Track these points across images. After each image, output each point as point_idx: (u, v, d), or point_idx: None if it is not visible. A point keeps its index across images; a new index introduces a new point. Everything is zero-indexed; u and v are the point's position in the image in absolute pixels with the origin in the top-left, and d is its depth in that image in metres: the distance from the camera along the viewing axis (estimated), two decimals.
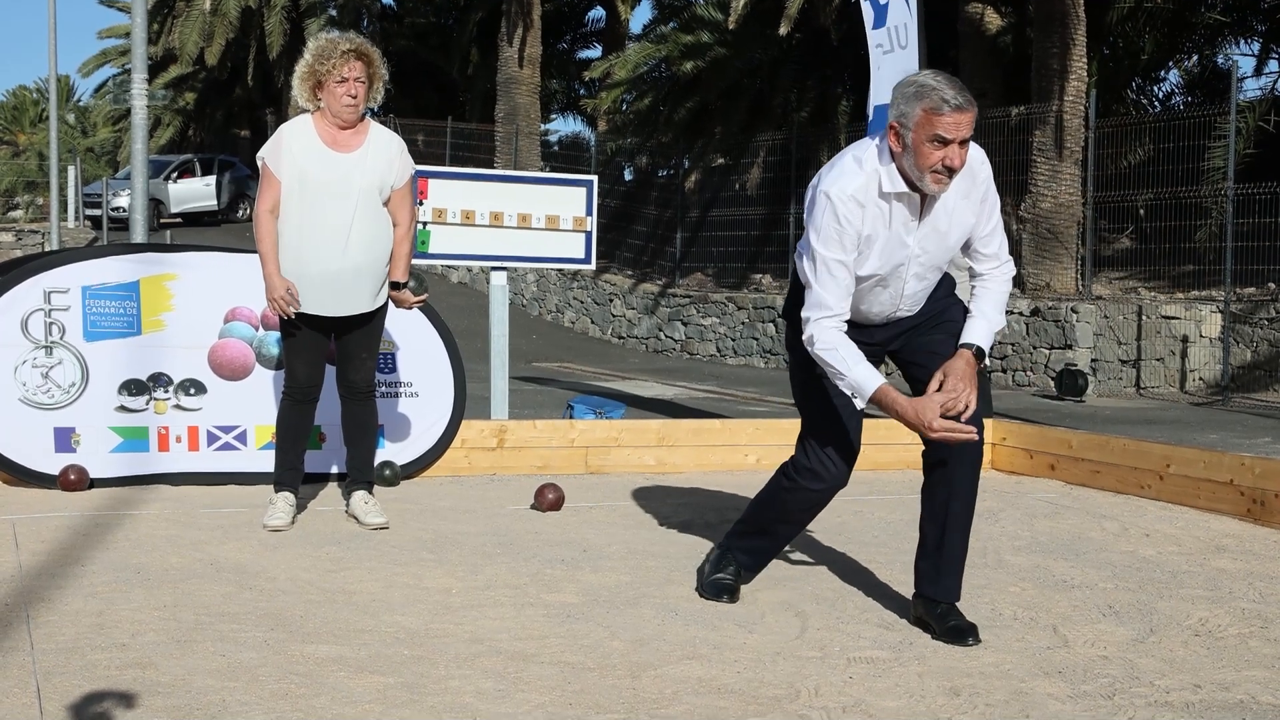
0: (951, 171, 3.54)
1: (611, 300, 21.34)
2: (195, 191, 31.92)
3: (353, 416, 5.32)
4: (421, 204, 6.76)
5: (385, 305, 5.22)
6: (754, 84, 21.22)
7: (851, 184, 3.62)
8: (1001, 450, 7.23)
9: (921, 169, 3.53)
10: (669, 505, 5.86)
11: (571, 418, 8.11)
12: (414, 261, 5.36)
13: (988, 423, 6.89)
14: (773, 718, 3.05)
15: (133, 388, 6.01)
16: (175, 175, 31.64)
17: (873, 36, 7.83)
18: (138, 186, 12.43)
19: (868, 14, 7.91)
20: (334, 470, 6.20)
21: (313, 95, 5.03)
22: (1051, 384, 14.11)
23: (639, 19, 77.22)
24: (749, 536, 4.19)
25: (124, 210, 26.12)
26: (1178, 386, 14.74)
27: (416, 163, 5.38)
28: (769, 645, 3.64)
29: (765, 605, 4.08)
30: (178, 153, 35.63)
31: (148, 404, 6.04)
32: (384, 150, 5.08)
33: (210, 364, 6.14)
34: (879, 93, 7.61)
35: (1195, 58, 20.76)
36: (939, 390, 3.63)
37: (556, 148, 31.70)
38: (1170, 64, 20.84)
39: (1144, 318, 14.66)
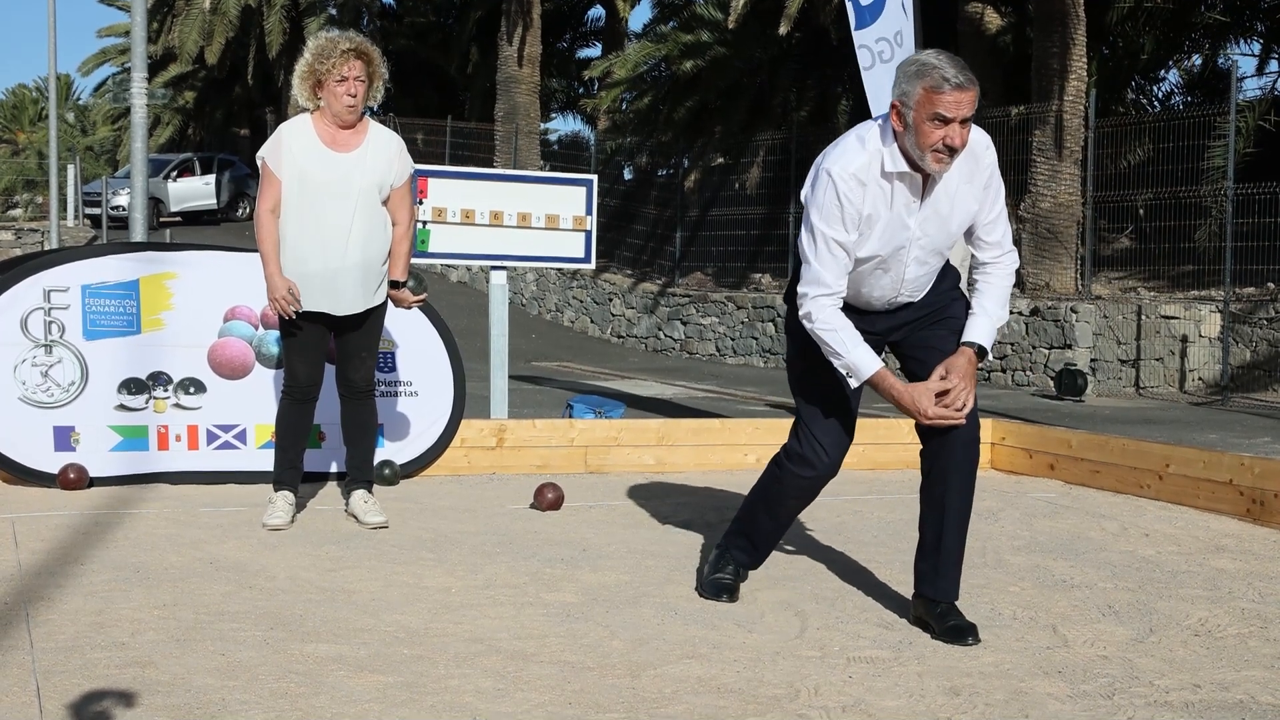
0: (953, 151, 3.53)
1: (611, 299, 21.34)
2: (195, 190, 31.91)
3: (352, 415, 5.31)
4: (421, 203, 6.76)
5: (385, 304, 5.22)
6: (754, 83, 21.23)
7: (854, 162, 3.62)
8: (1001, 450, 7.23)
9: (923, 148, 3.53)
10: (668, 505, 5.86)
11: (571, 417, 8.12)
12: (413, 260, 5.36)
13: (986, 422, 6.90)
14: (772, 717, 3.05)
15: (132, 386, 6.01)
16: (175, 174, 31.64)
17: (858, 37, 7.78)
18: (137, 185, 12.42)
19: (851, 14, 7.86)
20: (333, 469, 6.20)
21: (312, 94, 5.04)
22: (1051, 384, 14.12)
23: (639, 18, 77.30)
24: (744, 533, 4.20)
25: (123, 209, 26.13)
26: (1177, 386, 14.74)
27: (416, 162, 5.38)
28: (769, 645, 3.64)
29: (765, 605, 4.08)
30: (177, 151, 35.62)
31: (147, 403, 6.03)
32: (383, 150, 5.08)
33: (210, 363, 6.14)
34: (877, 102, 7.53)
35: (1195, 58, 20.77)
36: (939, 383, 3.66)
37: (556, 147, 31.74)
38: (1170, 64, 20.85)
39: (1143, 317, 14.66)
